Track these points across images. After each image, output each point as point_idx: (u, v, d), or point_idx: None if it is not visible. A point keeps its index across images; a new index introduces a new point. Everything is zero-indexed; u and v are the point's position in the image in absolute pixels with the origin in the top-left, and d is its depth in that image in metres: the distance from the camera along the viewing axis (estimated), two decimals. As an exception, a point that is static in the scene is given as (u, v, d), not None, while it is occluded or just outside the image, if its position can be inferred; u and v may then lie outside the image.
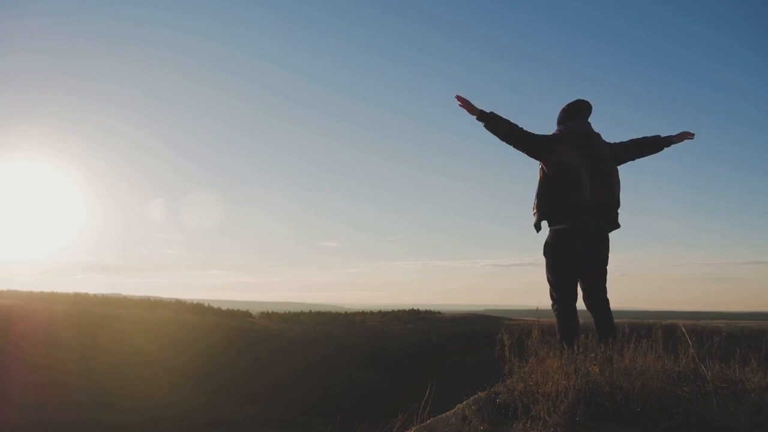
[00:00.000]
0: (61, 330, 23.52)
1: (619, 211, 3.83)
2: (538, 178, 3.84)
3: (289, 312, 37.33)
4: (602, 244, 3.78)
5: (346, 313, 40.23)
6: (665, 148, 4.00)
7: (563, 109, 3.91)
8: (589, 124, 3.87)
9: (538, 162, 3.89)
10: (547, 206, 3.74)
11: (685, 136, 3.99)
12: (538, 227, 3.86)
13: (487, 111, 3.73)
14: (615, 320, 3.77)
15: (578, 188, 3.63)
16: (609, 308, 3.78)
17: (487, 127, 3.72)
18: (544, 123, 4.07)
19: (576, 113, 3.86)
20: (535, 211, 3.84)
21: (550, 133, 3.93)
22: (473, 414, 3.04)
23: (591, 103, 3.87)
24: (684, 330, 3.44)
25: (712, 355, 3.31)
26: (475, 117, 3.74)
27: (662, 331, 3.43)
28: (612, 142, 3.94)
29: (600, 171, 3.70)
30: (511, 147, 3.76)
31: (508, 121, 3.73)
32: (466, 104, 3.73)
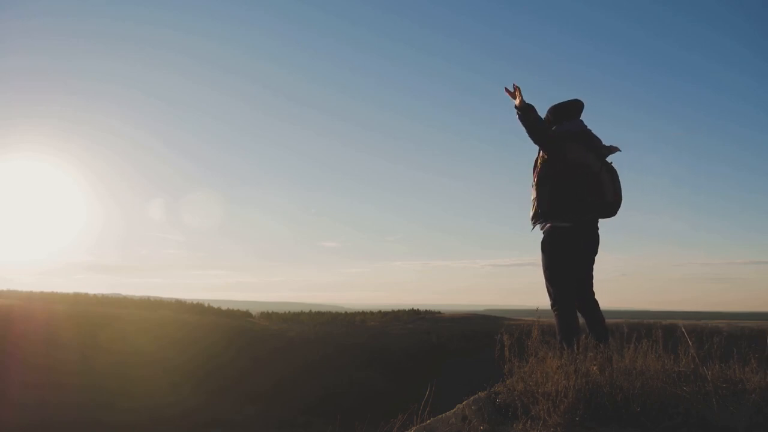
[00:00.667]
0: (61, 330, 23.53)
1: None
2: (539, 175, 3.83)
3: (289, 312, 37.34)
4: (598, 243, 3.83)
5: (346, 313, 40.24)
6: None
7: (557, 108, 3.90)
8: (583, 122, 3.90)
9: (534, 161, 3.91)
10: (553, 204, 3.73)
11: (614, 149, 4.23)
12: (535, 223, 3.87)
13: (528, 103, 3.73)
14: (616, 320, 3.79)
15: (599, 188, 3.69)
16: (600, 309, 3.81)
17: (524, 118, 3.70)
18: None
19: (571, 113, 3.88)
20: (537, 209, 3.82)
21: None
22: (473, 414, 3.04)
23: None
24: (684, 330, 3.44)
25: (712, 355, 3.31)
26: (515, 104, 3.72)
27: (662, 331, 3.43)
28: None
29: (611, 170, 3.78)
30: (531, 141, 3.76)
31: (540, 117, 3.76)
32: (518, 92, 3.73)
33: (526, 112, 3.71)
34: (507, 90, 3.79)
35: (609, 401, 2.80)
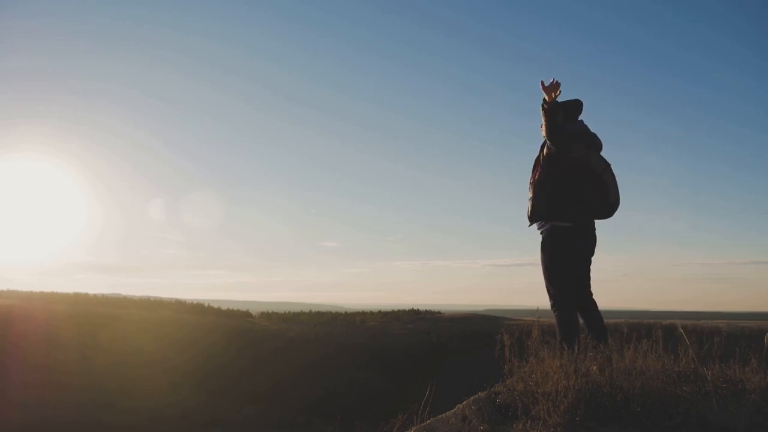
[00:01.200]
0: (61, 330, 23.53)
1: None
2: (540, 174, 3.83)
3: (289, 312, 37.34)
4: (596, 244, 3.83)
5: (346, 313, 40.24)
6: None
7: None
8: (583, 122, 3.90)
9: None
10: (554, 203, 3.73)
11: None
12: (533, 221, 3.87)
13: (557, 101, 3.71)
14: (616, 320, 3.80)
15: (601, 188, 3.72)
16: (598, 309, 3.81)
17: (548, 113, 3.67)
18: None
19: (570, 112, 3.88)
20: (537, 208, 3.81)
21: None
22: (473, 414, 3.04)
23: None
24: (683, 331, 3.44)
25: (712, 355, 3.31)
26: (546, 99, 3.68)
27: (662, 331, 3.43)
28: None
29: (612, 172, 3.79)
30: (546, 135, 3.75)
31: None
32: (558, 90, 3.68)
33: (553, 109, 3.69)
34: (542, 83, 3.70)
35: (609, 401, 2.80)
